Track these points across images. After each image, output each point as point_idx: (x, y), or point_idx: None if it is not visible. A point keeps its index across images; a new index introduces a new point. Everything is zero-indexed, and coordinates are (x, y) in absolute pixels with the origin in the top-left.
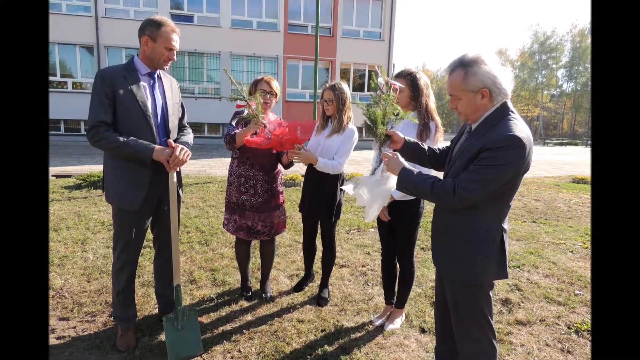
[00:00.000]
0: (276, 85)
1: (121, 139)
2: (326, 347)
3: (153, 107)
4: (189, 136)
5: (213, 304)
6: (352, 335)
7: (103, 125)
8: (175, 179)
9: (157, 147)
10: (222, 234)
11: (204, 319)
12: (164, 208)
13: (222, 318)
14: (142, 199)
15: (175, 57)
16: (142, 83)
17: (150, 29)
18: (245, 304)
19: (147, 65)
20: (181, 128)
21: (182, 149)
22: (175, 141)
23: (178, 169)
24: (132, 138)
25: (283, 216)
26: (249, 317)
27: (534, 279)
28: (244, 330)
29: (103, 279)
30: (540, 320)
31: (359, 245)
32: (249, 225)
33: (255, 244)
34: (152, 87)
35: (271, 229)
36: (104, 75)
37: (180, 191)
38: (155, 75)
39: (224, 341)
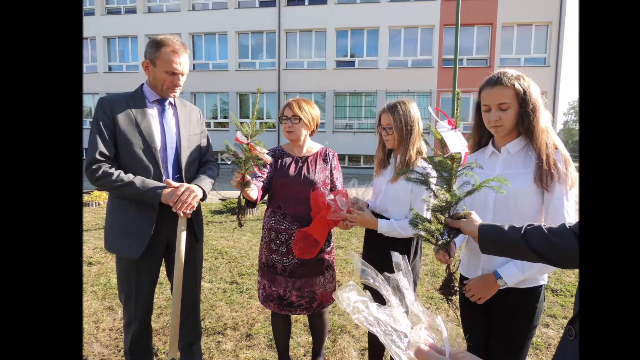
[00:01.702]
0: (307, 109)
1: (125, 177)
2: None
3: (162, 139)
4: (209, 172)
5: None
6: None
7: (105, 159)
8: (184, 227)
9: (166, 190)
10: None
11: None
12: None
13: None
14: (144, 248)
15: (180, 83)
16: (148, 111)
17: (150, 51)
18: None
19: (155, 92)
20: (204, 163)
21: (186, 190)
22: (192, 179)
23: (190, 214)
24: (138, 177)
25: (330, 284)
26: None
27: None
28: None
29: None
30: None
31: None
32: (280, 294)
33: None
34: (161, 116)
35: (311, 302)
36: (103, 102)
37: (198, 235)
38: (166, 103)
39: None
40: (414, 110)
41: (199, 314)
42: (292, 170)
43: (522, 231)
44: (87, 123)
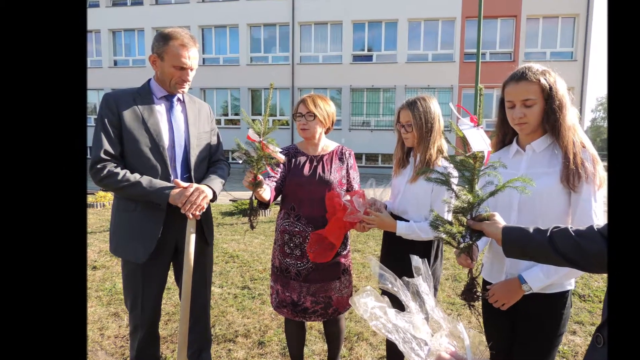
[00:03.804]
0: (322, 106)
1: (132, 177)
2: None
3: (170, 137)
4: (220, 172)
5: None
6: None
7: (110, 159)
8: (193, 229)
9: (174, 190)
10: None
11: None
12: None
13: None
14: (151, 251)
15: (189, 78)
16: (156, 107)
17: (157, 45)
18: None
19: (163, 88)
20: (214, 162)
21: (195, 190)
22: (202, 179)
23: (199, 216)
24: (145, 177)
25: (347, 289)
26: None
27: None
28: None
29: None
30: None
31: None
32: (294, 300)
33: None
34: (169, 113)
35: (327, 308)
36: (108, 99)
37: (207, 238)
38: (175, 99)
39: None
40: (435, 106)
41: (209, 320)
42: (306, 170)
43: (548, 234)
44: (91, 120)
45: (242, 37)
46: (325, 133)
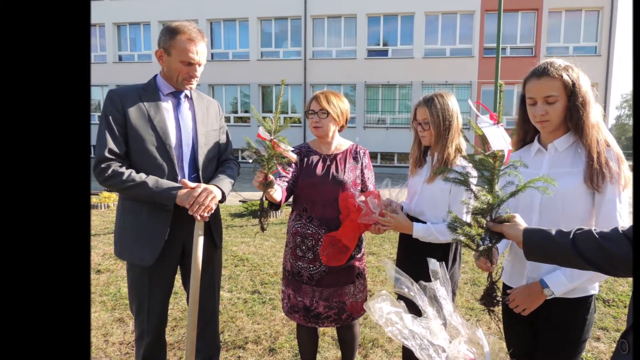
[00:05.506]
0: (335, 103)
1: (137, 177)
2: None
3: (177, 135)
4: (229, 171)
5: None
6: None
7: (115, 158)
8: (201, 231)
9: (181, 191)
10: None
11: None
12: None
13: None
14: (157, 254)
15: (197, 74)
16: (162, 104)
17: (164, 39)
18: None
19: (170, 84)
20: (223, 162)
21: (204, 191)
22: (210, 179)
23: (207, 218)
24: (151, 177)
25: (361, 293)
26: None
27: None
28: None
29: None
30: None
31: None
32: (307, 304)
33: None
34: (177, 110)
35: (340, 313)
36: (113, 95)
37: (216, 240)
38: (182, 96)
39: None
40: (453, 103)
41: (218, 326)
42: (319, 170)
43: (571, 236)
44: (95, 118)
45: (252, 31)
46: (339, 131)
